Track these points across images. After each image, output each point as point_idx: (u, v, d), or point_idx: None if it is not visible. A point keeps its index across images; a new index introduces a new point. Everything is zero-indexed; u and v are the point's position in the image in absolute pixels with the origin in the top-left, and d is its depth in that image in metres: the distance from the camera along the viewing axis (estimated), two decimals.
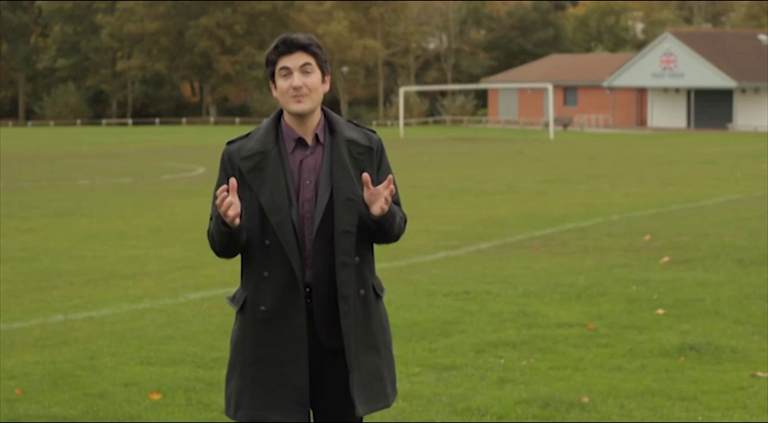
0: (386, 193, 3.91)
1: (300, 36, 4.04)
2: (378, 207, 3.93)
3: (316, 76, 4.02)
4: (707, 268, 12.07)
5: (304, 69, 4.01)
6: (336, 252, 3.97)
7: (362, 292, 4.05)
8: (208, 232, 4.10)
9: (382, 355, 4.11)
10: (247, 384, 4.06)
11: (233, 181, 3.90)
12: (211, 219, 4.07)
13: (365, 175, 3.92)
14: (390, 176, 3.95)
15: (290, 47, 4.01)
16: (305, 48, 4.01)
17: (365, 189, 3.94)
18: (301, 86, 3.98)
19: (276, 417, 4.02)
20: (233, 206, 3.87)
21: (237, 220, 3.90)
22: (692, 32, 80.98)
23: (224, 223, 3.90)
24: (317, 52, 4.03)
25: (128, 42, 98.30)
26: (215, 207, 3.95)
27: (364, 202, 3.99)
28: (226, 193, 3.86)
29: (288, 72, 4.01)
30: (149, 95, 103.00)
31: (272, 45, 4.05)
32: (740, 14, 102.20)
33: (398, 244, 4.23)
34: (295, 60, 4.00)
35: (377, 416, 6.48)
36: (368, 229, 4.03)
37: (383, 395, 4.10)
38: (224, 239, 3.96)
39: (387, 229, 4.00)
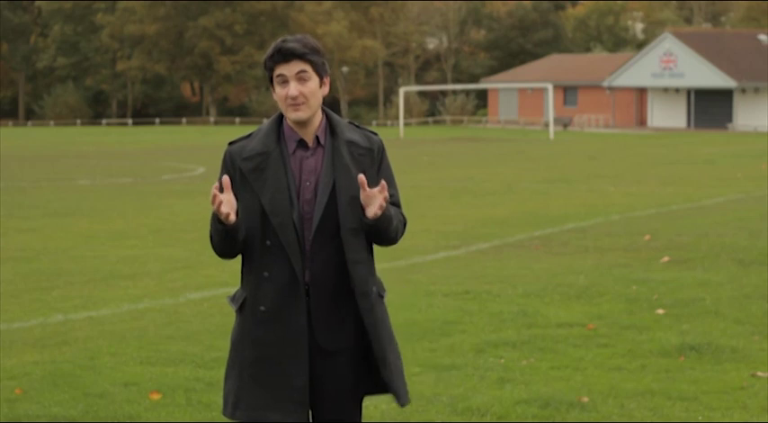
0: (380, 198, 3.90)
1: (295, 44, 3.96)
2: (372, 210, 3.91)
3: (313, 82, 3.97)
4: (707, 268, 12.06)
5: (300, 77, 3.95)
6: (346, 251, 3.96)
7: (375, 288, 4.09)
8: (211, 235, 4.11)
9: (395, 352, 4.17)
10: (247, 384, 4.06)
11: (226, 179, 3.89)
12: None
13: (360, 177, 3.90)
14: (383, 182, 3.91)
15: (285, 56, 3.95)
16: (300, 56, 3.96)
17: (361, 191, 3.93)
18: (297, 95, 3.95)
19: (275, 416, 4.02)
20: (225, 203, 3.86)
21: (232, 217, 3.89)
22: (692, 32, 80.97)
23: (219, 221, 3.90)
24: (312, 59, 3.97)
25: (128, 43, 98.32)
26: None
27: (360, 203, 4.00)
28: (219, 191, 3.86)
29: (284, 79, 3.96)
30: (149, 95, 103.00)
31: (269, 52, 3.99)
32: (738, 15, 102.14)
33: (398, 244, 4.22)
34: (291, 68, 3.95)
35: (377, 416, 6.48)
36: (365, 231, 4.03)
37: (406, 389, 4.18)
38: (221, 238, 3.96)
39: (382, 232, 4.00)
